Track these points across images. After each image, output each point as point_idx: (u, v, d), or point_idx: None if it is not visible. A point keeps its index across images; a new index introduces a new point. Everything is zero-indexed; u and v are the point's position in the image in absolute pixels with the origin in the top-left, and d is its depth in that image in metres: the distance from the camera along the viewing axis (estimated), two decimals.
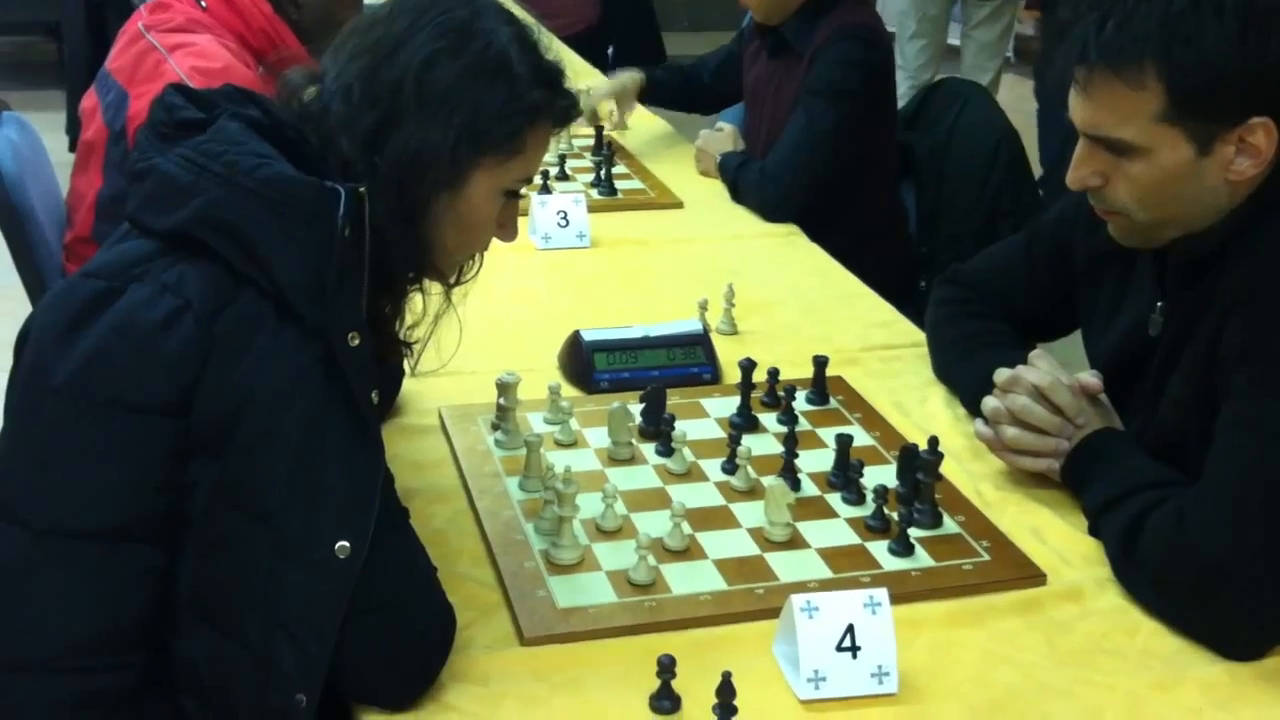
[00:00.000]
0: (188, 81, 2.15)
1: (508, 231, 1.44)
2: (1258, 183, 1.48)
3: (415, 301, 1.46)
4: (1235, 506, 1.38)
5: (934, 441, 1.60)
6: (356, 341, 1.23)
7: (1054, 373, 1.64)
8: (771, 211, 2.62)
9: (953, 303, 1.95)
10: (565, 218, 2.43)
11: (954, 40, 5.33)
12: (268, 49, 2.34)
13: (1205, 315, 1.51)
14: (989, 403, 1.67)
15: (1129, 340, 1.66)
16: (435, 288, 1.46)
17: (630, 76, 3.03)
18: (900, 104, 4.94)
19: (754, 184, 2.65)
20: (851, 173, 2.67)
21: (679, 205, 2.70)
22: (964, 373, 1.85)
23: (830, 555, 1.51)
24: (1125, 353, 1.67)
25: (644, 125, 3.20)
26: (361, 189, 1.23)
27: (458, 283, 1.47)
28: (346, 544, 1.20)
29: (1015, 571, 1.49)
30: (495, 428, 1.73)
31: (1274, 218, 1.48)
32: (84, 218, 2.31)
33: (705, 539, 1.52)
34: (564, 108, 1.40)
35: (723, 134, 2.82)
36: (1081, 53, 1.46)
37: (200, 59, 2.22)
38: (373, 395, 1.26)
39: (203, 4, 2.32)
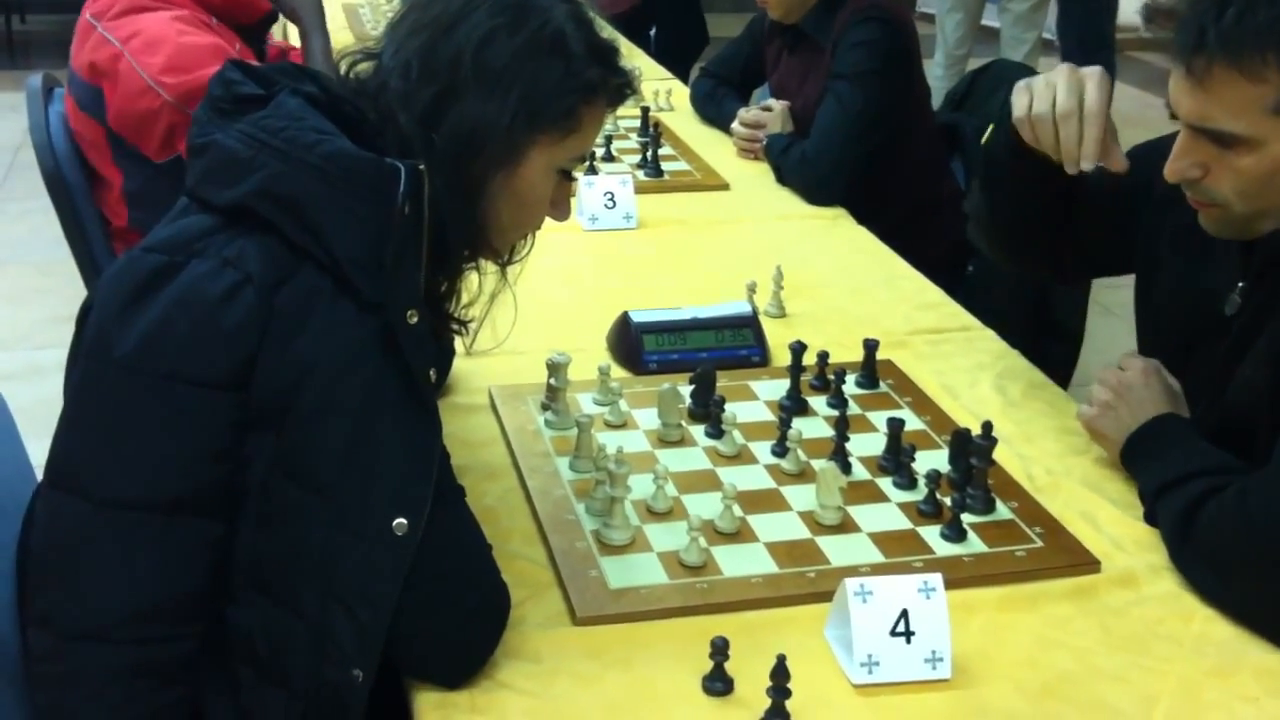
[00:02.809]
0: (158, 89, 2.16)
1: (561, 210, 1.44)
2: None
3: (470, 280, 1.46)
4: None
5: (987, 426, 1.59)
6: (415, 319, 1.23)
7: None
8: (814, 195, 2.62)
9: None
10: (612, 199, 2.43)
11: (993, 22, 5.34)
12: (222, 2, 2.35)
13: None
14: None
15: (1201, 316, 1.63)
16: (489, 267, 1.46)
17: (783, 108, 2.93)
18: (939, 78, 5.00)
19: (796, 168, 2.66)
20: (890, 152, 2.67)
21: (725, 187, 2.69)
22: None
23: (882, 540, 1.50)
24: (1194, 327, 1.64)
25: (689, 107, 3.19)
26: (421, 166, 1.23)
27: (511, 261, 1.47)
28: (405, 520, 1.20)
29: (1069, 558, 1.48)
30: (545, 408, 1.73)
31: None
32: (116, 209, 2.33)
33: (756, 521, 1.52)
34: (619, 85, 1.40)
35: (773, 114, 2.81)
36: (1199, 43, 1.42)
37: (151, 54, 2.20)
38: (430, 373, 1.26)
39: None
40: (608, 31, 1.41)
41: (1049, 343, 2.48)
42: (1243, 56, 1.39)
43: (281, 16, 2.61)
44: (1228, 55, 1.40)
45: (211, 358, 1.19)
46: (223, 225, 1.24)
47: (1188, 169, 1.50)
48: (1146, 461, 1.56)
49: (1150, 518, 1.54)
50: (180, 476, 1.21)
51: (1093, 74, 1.62)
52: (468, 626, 1.26)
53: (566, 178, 1.42)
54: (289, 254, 1.22)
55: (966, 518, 1.53)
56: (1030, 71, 2.88)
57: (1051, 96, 1.62)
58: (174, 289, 1.20)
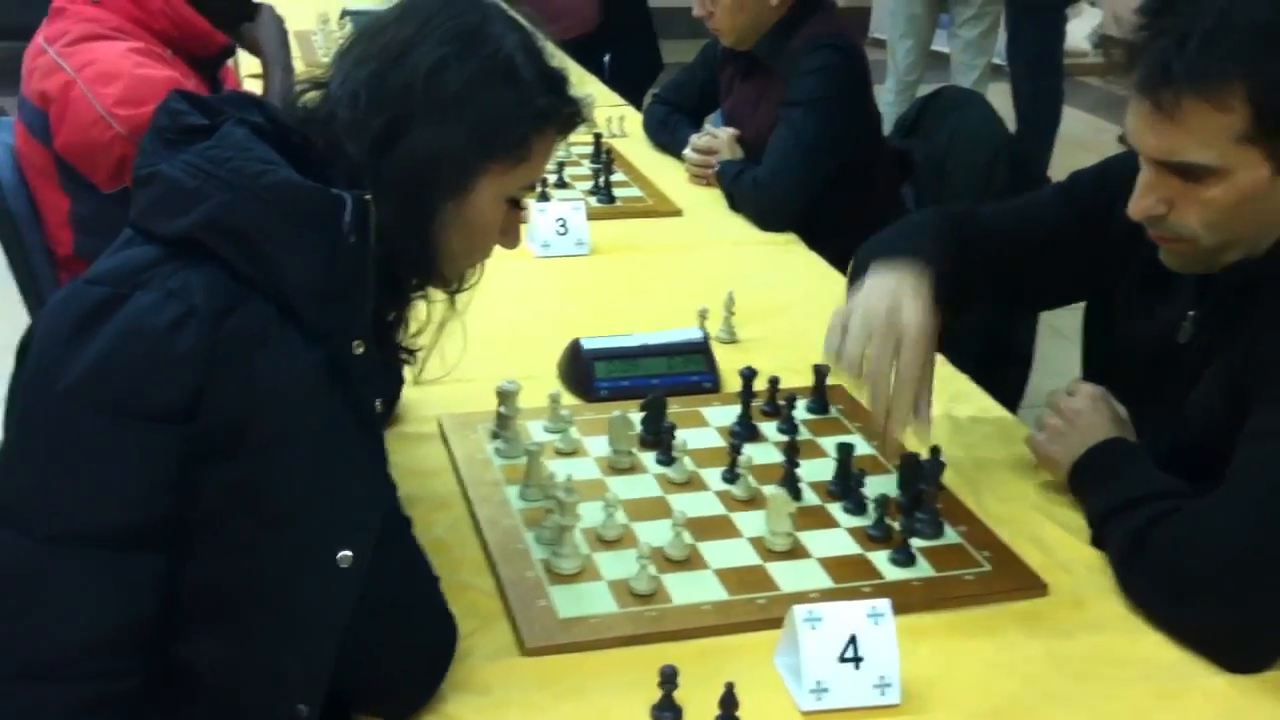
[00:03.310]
0: (110, 120, 2.15)
1: (510, 238, 1.44)
2: None
3: (418, 309, 1.45)
4: (1261, 514, 1.37)
5: (935, 451, 1.60)
6: (361, 349, 1.22)
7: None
8: (766, 221, 2.64)
9: (940, 215, 1.82)
10: (564, 225, 2.43)
11: (943, 48, 5.41)
12: (171, 29, 2.34)
13: (1243, 325, 1.49)
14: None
15: (1154, 345, 1.64)
16: (438, 295, 1.46)
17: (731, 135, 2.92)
18: (890, 104, 5.05)
19: (748, 194, 2.68)
20: (842, 179, 2.69)
21: (678, 213, 2.70)
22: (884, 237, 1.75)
23: (832, 565, 1.50)
24: (1146, 355, 1.65)
25: (642, 133, 3.20)
26: (367, 196, 1.23)
27: (460, 289, 1.47)
28: (349, 553, 1.19)
29: (1017, 581, 1.49)
30: (495, 436, 1.73)
31: None
32: (59, 237, 2.31)
33: (706, 548, 1.52)
34: (569, 114, 1.40)
35: (722, 140, 2.83)
36: (1164, 76, 1.40)
37: (105, 85, 2.19)
38: (377, 403, 1.25)
39: None
40: (558, 59, 1.41)
41: (1000, 366, 2.50)
42: (1211, 87, 1.38)
43: (240, 50, 2.60)
44: (1196, 87, 1.39)
45: (158, 390, 1.18)
46: (168, 256, 1.23)
47: (1153, 206, 1.48)
48: (1094, 486, 1.58)
49: (1098, 541, 1.55)
50: (127, 510, 1.20)
51: (910, 329, 1.51)
52: (415, 659, 1.25)
53: (516, 206, 1.42)
54: (235, 285, 1.21)
55: (915, 542, 1.54)
56: (979, 99, 2.92)
57: (863, 347, 1.53)
58: (118, 321, 1.19)
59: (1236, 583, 1.36)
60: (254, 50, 2.53)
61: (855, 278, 1.70)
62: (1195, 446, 1.55)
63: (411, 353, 1.48)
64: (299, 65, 2.92)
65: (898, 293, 1.55)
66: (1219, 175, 1.42)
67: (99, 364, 1.18)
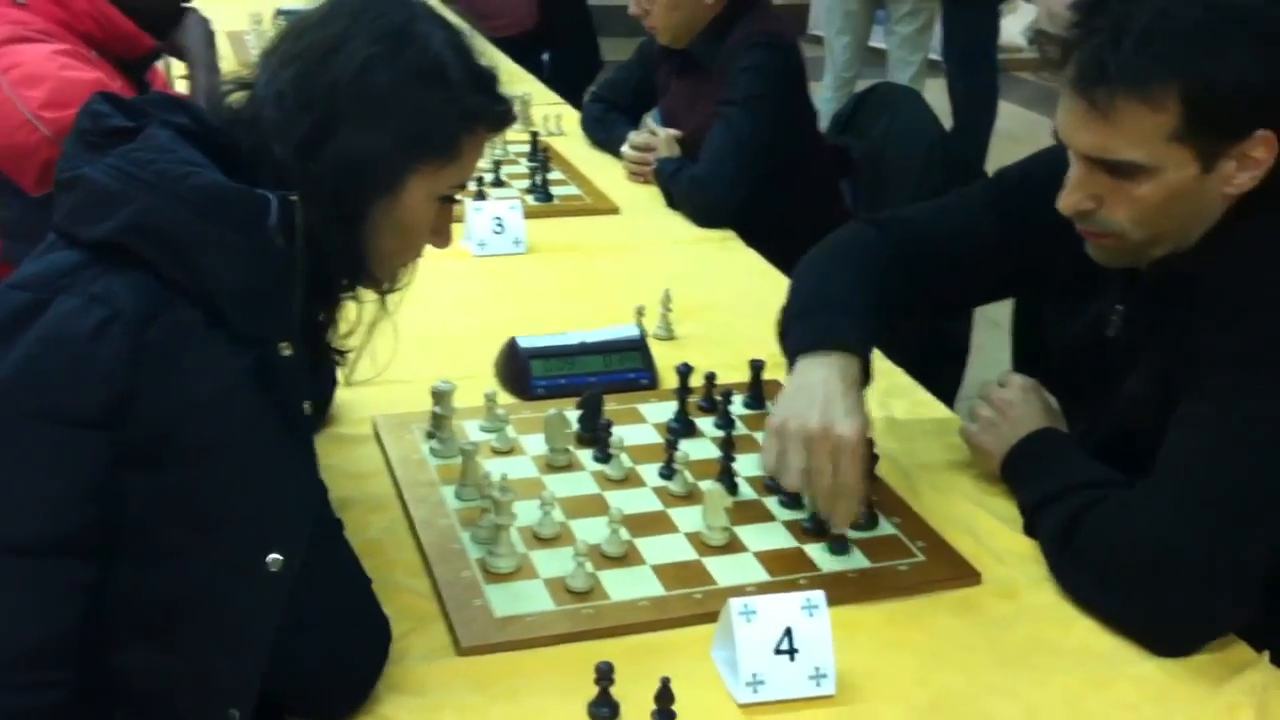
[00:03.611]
0: (37, 123, 2.12)
1: (442, 238, 1.44)
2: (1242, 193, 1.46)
3: (349, 309, 1.44)
4: (1189, 500, 1.39)
5: (869, 444, 1.61)
6: (289, 351, 1.21)
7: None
8: (703, 218, 2.64)
9: (855, 233, 1.81)
10: (501, 224, 2.43)
11: (880, 44, 5.44)
12: (97, 32, 2.31)
13: (1171, 317, 1.51)
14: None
15: (1084, 339, 1.66)
16: (369, 295, 1.45)
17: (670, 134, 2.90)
18: (828, 100, 5.07)
19: (685, 191, 2.68)
20: (779, 176, 2.70)
21: (615, 211, 2.70)
22: (806, 282, 1.73)
23: (768, 559, 1.51)
24: (1076, 348, 1.66)
25: (580, 131, 3.19)
26: (293, 196, 1.22)
27: (392, 290, 1.46)
28: (279, 556, 1.18)
29: (950, 571, 1.50)
30: (431, 436, 1.72)
31: (1248, 224, 1.47)
32: None
33: (643, 545, 1.52)
34: (500, 113, 1.40)
35: (661, 139, 2.83)
36: (1099, 75, 1.40)
37: (31, 87, 2.16)
38: (305, 406, 1.24)
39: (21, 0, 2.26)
40: (487, 57, 1.40)
41: (937, 360, 2.53)
42: (1146, 87, 1.39)
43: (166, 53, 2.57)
44: (1130, 87, 1.39)
45: (80, 396, 1.16)
46: (91, 261, 1.21)
47: (1082, 201, 1.49)
48: (1026, 475, 1.59)
49: (1030, 530, 1.57)
50: (52, 518, 1.18)
51: (846, 442, 1.46)
52: (348, 663, 1.25)
53: (448, 203, 1.42)
54: (160, 289, 1.19)
55: (851, 534, 1.54)
56: (915, 95, 2.94)
57: (803, 464, 1.48)
58: (40, 327, 1.18)
59: (1162, 569, 1.38)
60: (178, 54, 2.50)
61: (783, 338, 1.68)
62: (1125, 437, 1.57)
63: (342, 354, 1.47)
64: (231, 66, 2.89)
65: (828, 402, 1.50)
66: (1149, 173, 1.43)
67: (21, 370, 1.16)
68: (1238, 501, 1.38)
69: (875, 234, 1.79)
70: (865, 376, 1.59)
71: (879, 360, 2.00)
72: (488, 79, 1.38)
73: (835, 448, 1.46)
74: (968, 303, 1.96)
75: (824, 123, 3.11)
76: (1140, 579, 1.40)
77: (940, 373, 2.33)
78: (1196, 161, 1.42)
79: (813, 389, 1.51)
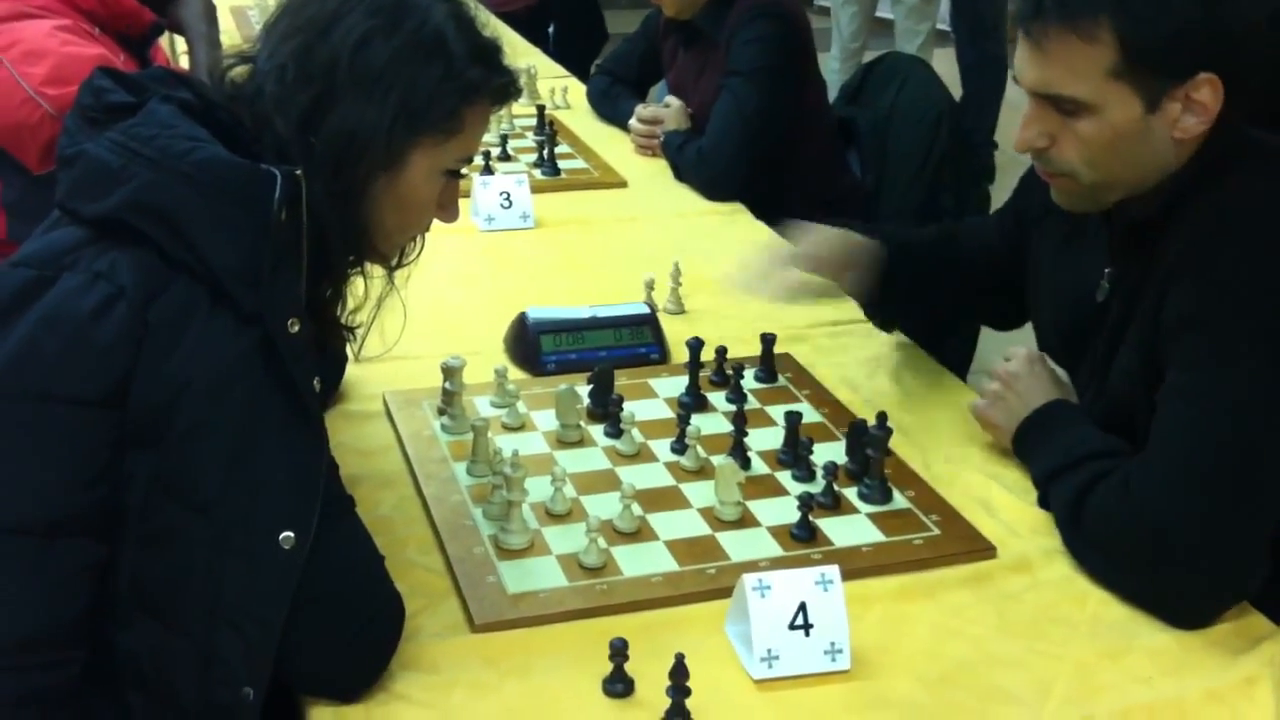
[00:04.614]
0: (39, 100, 2.11)
1: (449, 212, 1.42)
2: (1200, 144, 1.48)
3: (357, 285, 1.43)
4: (1179, 475, 1.38)
5: (883, 417, 1.60)
6: (296, 328, 1.20)
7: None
8: (710, 191, 2.63)
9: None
10: (508, 198, 2.41)
11: (887, 14, 5.39)
12: (98, 8, 2.30)
13: (1149, 282, 1.51)
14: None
15: (1077, 308, 1.66)
16: (377, 271, 1.44)
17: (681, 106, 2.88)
18: (834, 71, 5.03)
19: (692, 164, 2.67)
20: (786, 148, 2.68)
21: (623, 184, 2.69)
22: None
23: (781, 533, 1.50)
24: (1073, 320, 1.67)
25: (587, 105, 3.17)
26: (298, 171, 1.21)
27: (399, 265, 1.45)
28: (290, 534, 1.17)
29: (965, 545, 1.49)
30: (441, 412, 1.71)
31: (1214, 182, 1.48)
32: None
33: (656, 520, 1.51)
34: (502, 85, 1.38)
35: (671, 110, 2.81)
36: (1037, 9, 1.45)
37: (32, 64, 2.15)
38: (314, 382, 1.23)
39: None
40: (491, 29, 1.39)
41: (948, 333, 2.51)
42: (1078, 19, 1.42)
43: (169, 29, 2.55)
44: (1063, 19, 1.43)
45: (85, 375, 1.16)
46: (94, 238, 1.20)
47: (1035, 138, 1.52)
48: (1036, 448, 1.58)
49: (1044, 503, 1.56)
50: (57, 498, 1.17)
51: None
52: (360, 639, 1.24)
53: (454, 178, 1.40)
54: (163, 266, 1.19)
55: (864, 507, 1.54)
56: (922, 65, 2.91)
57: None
58: (44, 305, 1.17)
59: (1161, 550, 1.37)
60: (180, 29, 2.48)
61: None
62: (1123, 407, 1.56)
63: (351, 330, 1.46)
64: (234, 41, 2.88)
65: None
66: (1092, 110, 1.46)
67: (25, 349, 1.16)
68: (1228, 474, 1.37)
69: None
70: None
71: (896, 336, 1.99)
72: (490, 51, 1.36)
73: None
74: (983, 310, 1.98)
75: (831, 94, 3.08)
76: (1142, 560, 1.39)
77: (952, 345, 2.31)
78: (1139, 101, 1.45)
79: None
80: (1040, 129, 1.51)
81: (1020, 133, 1.53)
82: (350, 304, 1.43)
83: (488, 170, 2.59)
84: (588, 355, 1.86)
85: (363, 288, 1.44)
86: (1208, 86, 1.44)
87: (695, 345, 1.78)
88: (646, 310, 1.95)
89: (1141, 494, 1.40)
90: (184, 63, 2.84)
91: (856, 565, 1.43)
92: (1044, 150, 1.52)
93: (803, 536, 1.49)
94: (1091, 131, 1.47)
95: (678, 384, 1.81)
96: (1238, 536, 1.36)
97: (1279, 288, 1.42)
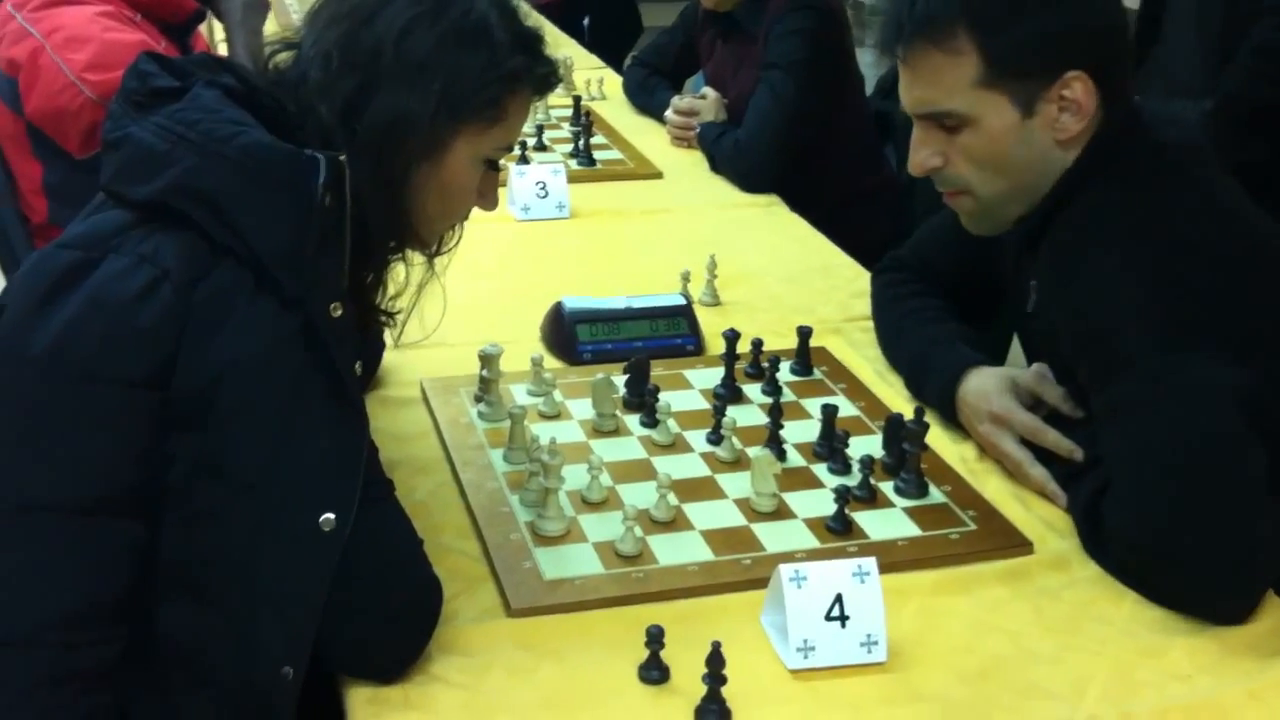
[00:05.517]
0: (80, 85, 2.12)
1: (488, 200, 1.43)
2: (1083, 144, 1.51)
3: (397, 271, 1.44)
4: (1137, 498, 1.39)
5: (919, 411, 1.59)
6: (339, 312, 1.21)
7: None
8: (746, 183, 2.63)
9: (890, 287, 1.93)
10: (544, 188, 2.41)
11: None
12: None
13: (1053, 290, 1.54)
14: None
15: (1016, 318, 1.69)
16: (417, 259, 1.44)
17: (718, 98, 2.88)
18: (869, 65, 5.00)
19: (729, 156, 2.66)
20: (823, 140, 2.68)
21: (658, 175, 2.68)
22: (900, 352, 1.84)
23: (817, 526, 1.50)
24: (1020, 332, 1.70)
25: (622, 96, 3.17)
26: (341, 157, 1.21)
27: (439, 252, 1.46)
28: (331, 516, 1.18)
29: (1002, 540, 1.49)
30: (478, 400, 1.72)
31: (1082, 186, 1.50)
32: (34, 204, 2.28)
33: (691, 510, 1.51)
34: (544, 75, 1.38)
35: (707, 103, 2.81)
36: (896, 30, 1.50)
37: (74, 50, 2.16)
38: (355, 366, 1.24)
39: None
40: (533, 19, 1.39)
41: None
42: (936, 34, 1.46)
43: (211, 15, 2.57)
44: (923, 35, 1.47)
45: (128, 356, 1.16)
46: (139, 221, 1.21)
47: (928, 159, 1.55)
48: (1045, 459, 1.58)
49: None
50: (99, 478, 1.18)
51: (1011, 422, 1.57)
52: (399, 622, 1.25)
53: (493, 168, 1.40)
54: (207, 249, 1.19)
55: (900, 501, 1.53)
56: None
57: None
58: (89, 286, 1.18)
59: (1160, 563, 1.37)
60: (221, 16, 2.50)
61: (921, 394, 1.76)
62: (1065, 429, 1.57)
63: (390, 315, 1.46)
64: (272, 27, 2.89)
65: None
66: (970, 122, 1.49)
67: (70, 330, 1.17)
68: (1181, 478, 1.36)
69: (887, 276, 1.94)
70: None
71: None
72: (532, 40, 1.37)
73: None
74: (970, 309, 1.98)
75: (868, 88, 3.07)
76: (1148, 576, 1.39)
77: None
78: (1013, 107, 1.48)
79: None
80: (930, 149, 1.54)
81: (911, 156, 1.56)
82: (390, 290, 1.44)
83: (524, 160, 2.60)
84: (623, 345, 1.86)
85: (403, 274, 1.44)
86: (1078, 83, 1.47)
87: (731, 337, 1.78)
88: (682, 301, 1.95)
89: (1115, 524, 1.41)
90: (222, 51, 2.86)
91: (892, 559, 1.43)
92: (939, 169, 1.55)
93: (838, 529, 1.49)
94: (975, 143, 1.50)
95: (713, 375, 1.81)
96: (1223, 529, 1.34)
97: (1138, 296, 1.43)
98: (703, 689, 1.21)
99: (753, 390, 1.79)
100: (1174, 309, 1.43)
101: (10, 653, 1.18)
